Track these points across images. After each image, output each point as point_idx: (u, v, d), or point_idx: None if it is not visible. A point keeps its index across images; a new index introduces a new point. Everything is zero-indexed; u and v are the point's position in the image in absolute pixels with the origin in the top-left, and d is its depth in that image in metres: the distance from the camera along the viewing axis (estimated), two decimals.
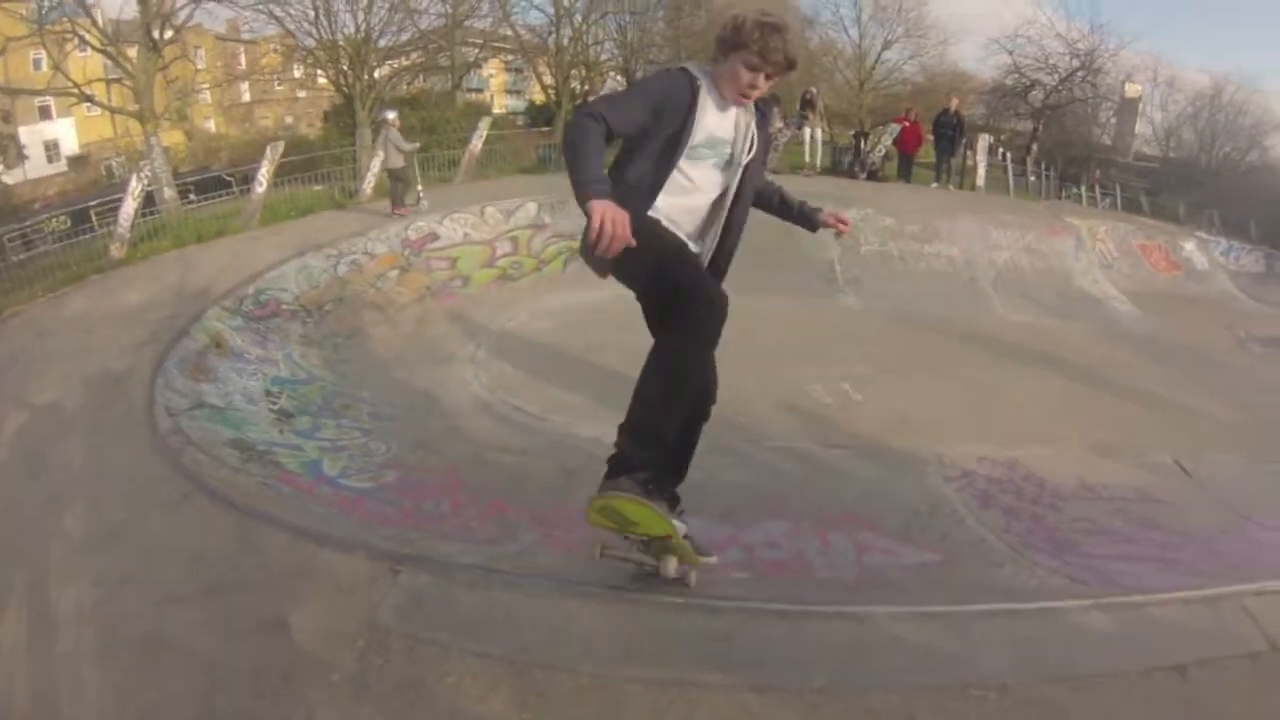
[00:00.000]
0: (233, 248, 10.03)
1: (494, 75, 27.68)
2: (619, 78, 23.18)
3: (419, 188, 11.63)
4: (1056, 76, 22.46)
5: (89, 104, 17.67)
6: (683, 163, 2.69)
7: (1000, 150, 19.28)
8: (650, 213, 2.68)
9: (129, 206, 10.35)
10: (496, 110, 24.71)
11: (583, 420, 5.57)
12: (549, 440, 5.51)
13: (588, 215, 2.30)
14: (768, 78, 2.66)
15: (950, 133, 16.04)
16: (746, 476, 4.77)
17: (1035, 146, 21.81)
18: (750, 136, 2.79)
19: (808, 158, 16.54)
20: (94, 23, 16.06)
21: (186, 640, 2.85)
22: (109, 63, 16.57)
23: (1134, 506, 4.81)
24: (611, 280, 2.80)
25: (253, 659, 2.70)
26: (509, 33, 22.50)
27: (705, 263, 2.86)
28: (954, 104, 16.53)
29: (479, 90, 26.88)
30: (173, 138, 20.49)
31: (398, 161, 11.36)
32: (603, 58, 23.14)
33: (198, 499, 4.02)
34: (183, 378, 6.06)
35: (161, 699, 2.61)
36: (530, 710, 2.38)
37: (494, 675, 2.52)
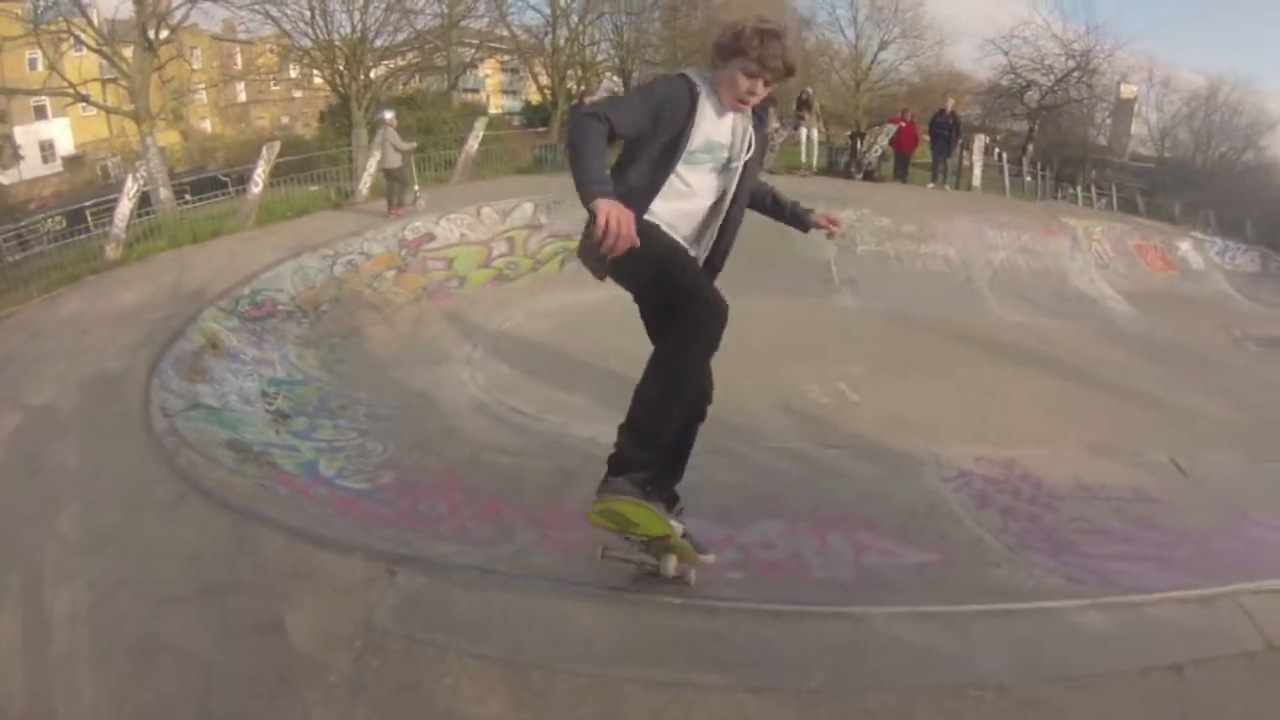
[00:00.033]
0: (228, 248, 9.99)
1: (490, 76, 27.65)
2: (615, 78, 23.20)
3: (416, 187, 11.63)
4: (1052, 77, 22.52)
5: (84, 104, 17.63)
6: (680, 168, 2.71)
7: (996, 151, 19.32)
8: (647, 217, 2.68)
9: (124, 207, 10.30)
10: (493, 111, 24.64)
11: (579, 420, 5.57)
12: (545, 441, 5.51)
13: (593, 214, 2.31)
14: (766, 84, 2.68)
15: (946, 133, 16.04)
16: (743, 477, 4.76)
17: (1031, 147, 21.88)
18: (748, 139, 2.81)
19: (804, 158, 16.56)
20: (89, 22, 16.04)
21: (182, 642, 2.84)
22: (104, 63, 16.53)
23: (1130, 506, 4.81)
24: (608, 281, 2.82)
25: (249, 660, 2.69)
26: (505, 33, 22.52)
27: (701, 263, 2.88)
28: (950, 104, 16.53)
29: (475, 91, 26.84)
30: (168, 138, 20.45)
31: (395, 161, 11.34)
32: (599, 58, 23.16)
33: (193, 500, 4.01)
34: (178, 378, 6.04)
35: (157, 701, 2.60)
36: (528, 711, 2.38)
37: (491, 676, 2.52)
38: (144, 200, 11.92)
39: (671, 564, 2.92)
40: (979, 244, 12.31)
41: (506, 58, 25.46)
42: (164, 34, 16.46)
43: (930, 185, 16.12)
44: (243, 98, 23.84)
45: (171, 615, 3.02)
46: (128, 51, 16.14)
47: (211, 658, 2.73)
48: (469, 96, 25.56)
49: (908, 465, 5.21)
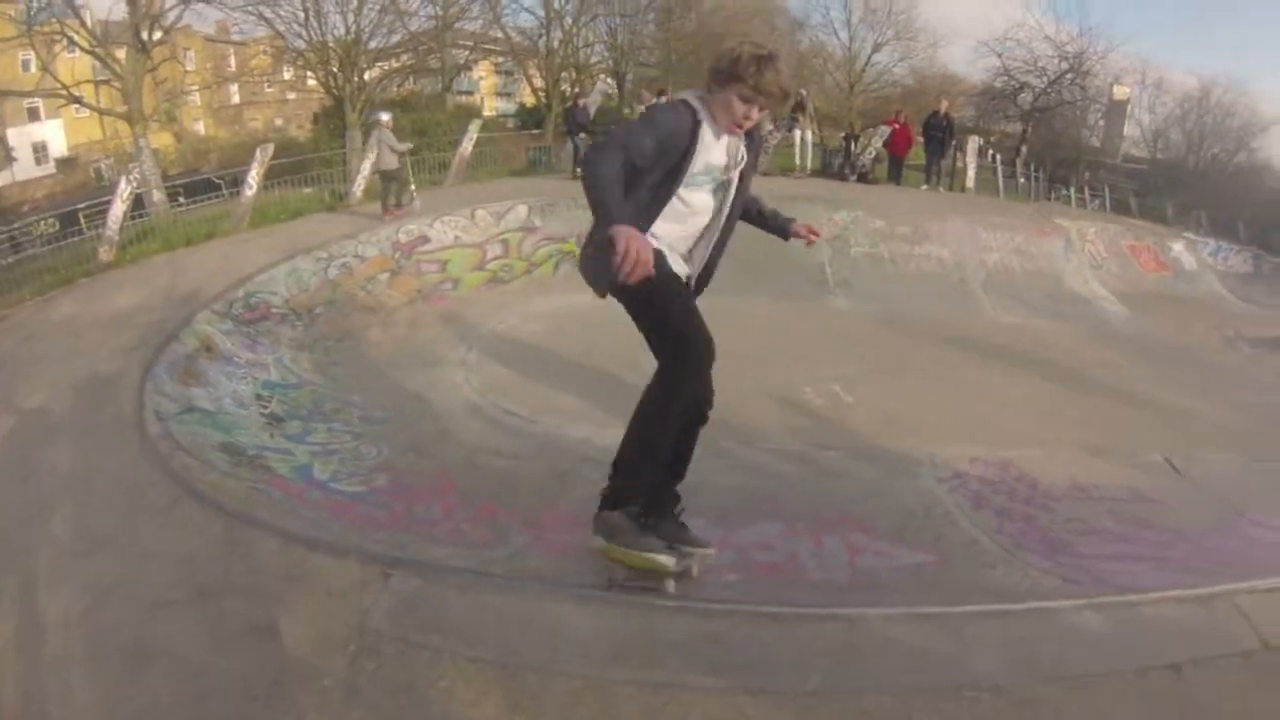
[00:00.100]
0: (222, 251, 9.95)
1: (484, 78, 27.70)
2: (609, 80, 23.23)
3: (412, 188, 11.62)
4: (1045, 79, 22.65)
5: (78, 105, 17.59)
6: (681, 190, 2.80)
7: (990, 152, 19.42)
8: (650, 239, 2.73)
9: (118, 209, 10.26)
10: (487, 113, 24.67)
11: (574, 422, 5.55)
12: (540, 443, 5.49)
13: (613, 240, 2.37)
14: (761, 109, 2.77)
15: (940, 135, 16.09)
16: (739, 479, 4.75)
17: (1024, 148, 21.95)
18: (740, 153, 2.91)
19: (798, 160, 16.60)
20: (83, 24, 16.03)
21: (176, 645, 2.83)
22: (98, 64, 16.54)
23: (1126, 506, 4.82)
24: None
25: (243, 664, 2.68)
26: (499, 35, 22.58)
27: (696, 273, 3.01)
28: (944, 106, 16.58)
29: (469, 93, 26.87)
30: (162, 140, 20.43)
31: (391, 162, 11.32)
32: (593, 60, 23.23)
33: (187, 503, 3.99)
34: (172, 382, 6.01)
35: (151, 705, 2.58)
36: (523, 714, 2.38)
37: (486, 679, 2.51)
38: (137, 202, 11.91)
39: (671, 585, 3.03)
40: (973, 245, 12.33)
41: (501, 60, 25.50)
42: (157, 35, 16.44)
43: (924, 187, 16.17)
44: (236, 99, 23.84)
45: (165, 619, 3.00)
46: (121, 53, 16.14)
47: (206, 661, 2.72)
48: (463, 99, 25.59)
49: (903, 466, 5.20)
